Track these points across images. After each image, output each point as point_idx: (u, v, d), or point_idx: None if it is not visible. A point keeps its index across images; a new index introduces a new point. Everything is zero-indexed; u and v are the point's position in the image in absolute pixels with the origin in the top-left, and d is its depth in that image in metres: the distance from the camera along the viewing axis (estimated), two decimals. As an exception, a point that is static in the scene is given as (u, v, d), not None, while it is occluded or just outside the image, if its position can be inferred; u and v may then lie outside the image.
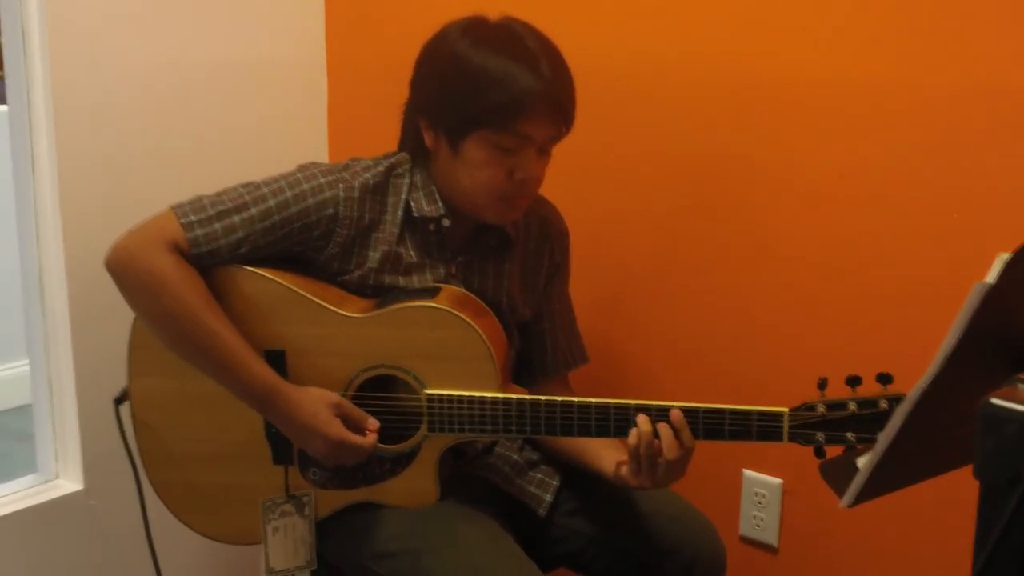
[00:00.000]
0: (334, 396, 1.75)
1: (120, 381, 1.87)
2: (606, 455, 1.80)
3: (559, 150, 1.80)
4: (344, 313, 1.76)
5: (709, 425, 1.66)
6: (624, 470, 1.74)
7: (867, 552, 2.12)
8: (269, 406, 1.75)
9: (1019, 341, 1.08)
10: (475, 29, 1.76)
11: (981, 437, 0.93)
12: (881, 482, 1.17)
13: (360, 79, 2.63)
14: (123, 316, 1.80)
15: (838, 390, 1.60)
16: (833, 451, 1.62)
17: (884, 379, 1.58)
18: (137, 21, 2.27)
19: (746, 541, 2.27)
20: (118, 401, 1.88)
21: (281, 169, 1.82)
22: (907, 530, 2.05)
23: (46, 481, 2.30)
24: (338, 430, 1.73)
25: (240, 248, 1.75)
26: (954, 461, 1.17)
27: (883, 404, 1.59)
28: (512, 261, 1.92)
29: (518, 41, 1.73)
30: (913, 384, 1.06)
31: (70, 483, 2.29)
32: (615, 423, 1.69)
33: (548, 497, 1.92)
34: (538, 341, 1.99)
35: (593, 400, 1.70)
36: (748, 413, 1.64)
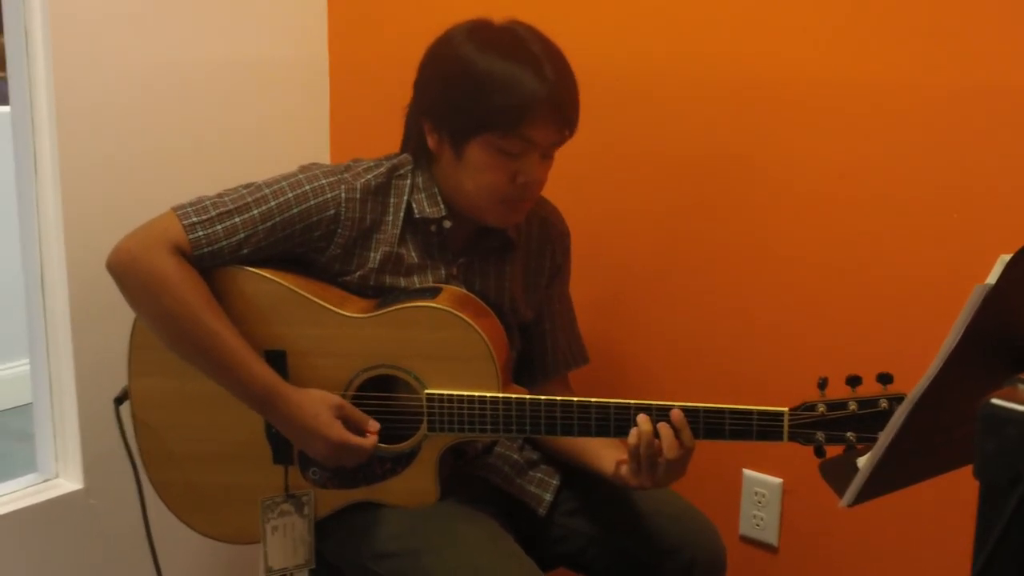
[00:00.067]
0: (335, 398, 1.75)
1: (120, 381, 1.87)
2: (606, 455, 1.80)
3: (559, 150, 1.80)
4: (345, 313, 1.76)
5: (709, 425, 1.66)
6: (624, 470, 1.74)
7: (867, 552, 2.12)
8: (269, 407, 1.75)
9: (1020, 341, 1.08)
10: (480, 32, 1.76)
11: (981, 437, 0.92)
12: (881, 482, 1.17)
13: (362, 79, 2.63)
14: (124, 316, 1.80)
15: (838, 390, 1.60)
16: (833, 451, 1.62)
17: (884, 379, 1.58)
18: (140, 21, 2.27)
19: (746, 541, 2.27)
20: (118, 401, 1.88)
21: (283, 169, 1.82)
22: (907, 530, 2.05)
23: (46, 480, 2.30)
24: (339, 432, 1.73)
25: (242, 249, 1.75)
26: (954, 461, 1.17)
27: (883, 404, 1.59)
28: (513, 262, 1.92)
29: (523, 45, 1.73)
30: (913, 384, 1.06)
31: (70, 482, 2.29)
32: (615, 423, 1.69)
33: (548, 496, 1.92)
34: (538, 341, 1.99)
35: (593, 400, 1.70)
36: (748, 413, 1.65)
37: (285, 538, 1.84)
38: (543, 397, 1.72)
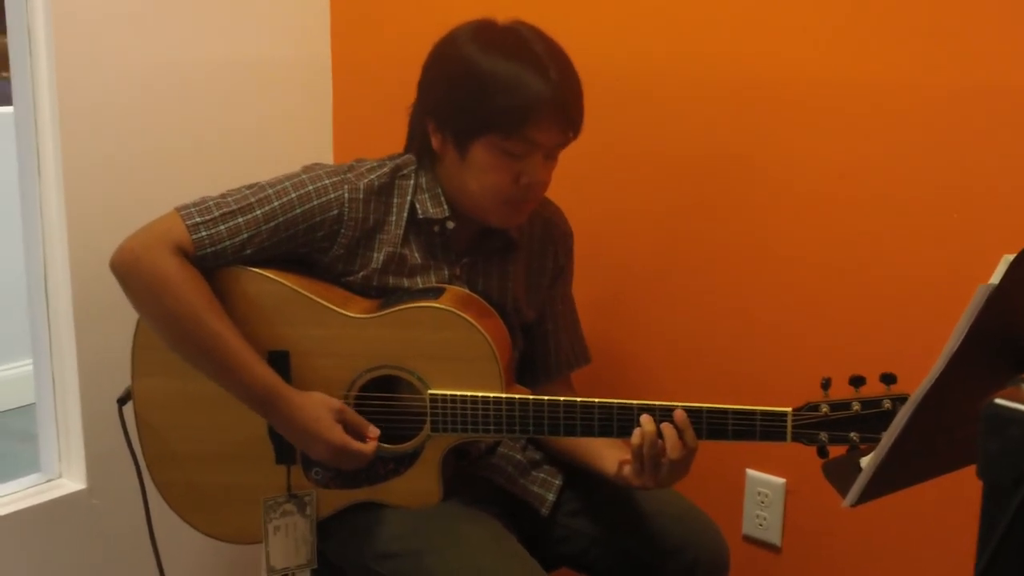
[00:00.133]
0: (336, 402, 1.76)
1: (123, 381, 1.87)
2: (608, 455, 1.81)
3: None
4: (348, 314, 1.77)
5: (713, 425, 1.67)
6: (627, 470, 1.74)
7: (870, 552, 2.12)
8: (271, 409, 1.75)
9: (1023, 342, 1.08)
10: (484, 33, 1.75)
11: (985, 438, 0.93)
12: (884, 482, 1.17)
13: (365, 79, 2.63)
14: (127, 316, 1.80)
15: (841, 390, 1.61)
16: (836, 451, 1.62)
17: (888, 379, 1.59)
18: (143, 21, 2.27)
19: (749, 541, 2.27)
20: (121, 401, 1.88)
21: (286, 169, 1.82)
22: (910, 530, 2.05)
23: (49, 480, 2.30)
24: (339, 435, 1.74)
25: (245, 249, 1.75)
26: (957, 461, 1.17)
27: (887, 404, 1.59)
28: (516, 263, 1.92)
29: (527, 46, 1.73)
30: (916, 384, 1.06)
31: (73, 482, 2.30)
32: (618, 423, 1.70)
33: (551, 496, 1.92)
34: (541, 342, 1.99)
35: (596, 400, 1.70)
36: (752, 413, 1.65)
37: (287, 538, 1.84)
38: (546, 397, 1.72)
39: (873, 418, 1.60)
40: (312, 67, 2.64)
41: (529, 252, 1.94)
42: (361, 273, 1.81)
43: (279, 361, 1.78)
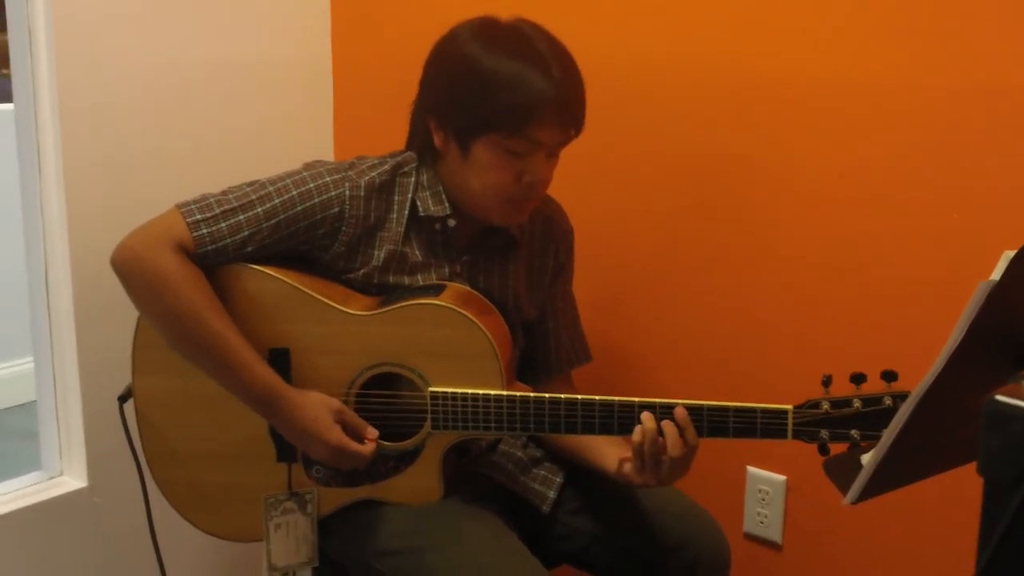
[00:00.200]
0: (335, 402, 1.76)
1: (124, 379, 1.87)
2: (609, 452, 1.81)
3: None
4: (349, 311, 1.77)
5: (713, 423, 1.67)
6: (628, 467, 1.74)
7: (871, 549, 2.12)
8: (270, 408, 1.75)
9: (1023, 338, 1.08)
10: (486, 31, 1.75)
11: (986, 434, 0.93)
12: (885, 479, 1.17)
13: (365, 77, 2.63)
14: (128, 314, 1.80)
15: (842, 388, 1.61)
16: (837, 448, 1.63)
17: (889, 376, 1.59)
18: (143, 20, 2.27)
19: (750, 538, 2.27)
20: (122, 399, 1.88)
21: (287, 168, 1.82)
22: (911, 527, 2.05)
23: (50, 478, 2.30)
24: (338, 436, 1.74)
25: (246, 247, 1.75)
26: (958, 458, 1.17)
27: (888, 401, 1.59)
28: (517, 261, 1.92)
29: (529, 44, 1.72)
30: (917, 382, 1.06)
31: (74, 480, 2.30)
32: (619, 421, 1.70)
33: (552, 494, 1.92)
34: (542, 339, 1.99)
35: (597, 397, 1.70)
36: (752, 411, 1.65)
37: (288, 536, 1.84)
38: (547, 395, 1.72)
39: (874, 415, 1.60)
40: (313, 66, 2.64)
41: (530, 250, 1.94)
42: (362, 271, 1.81)
43: (280, 358, 1.78)
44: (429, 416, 1.76)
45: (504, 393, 1.73)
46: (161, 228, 1.74)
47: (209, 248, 1.74)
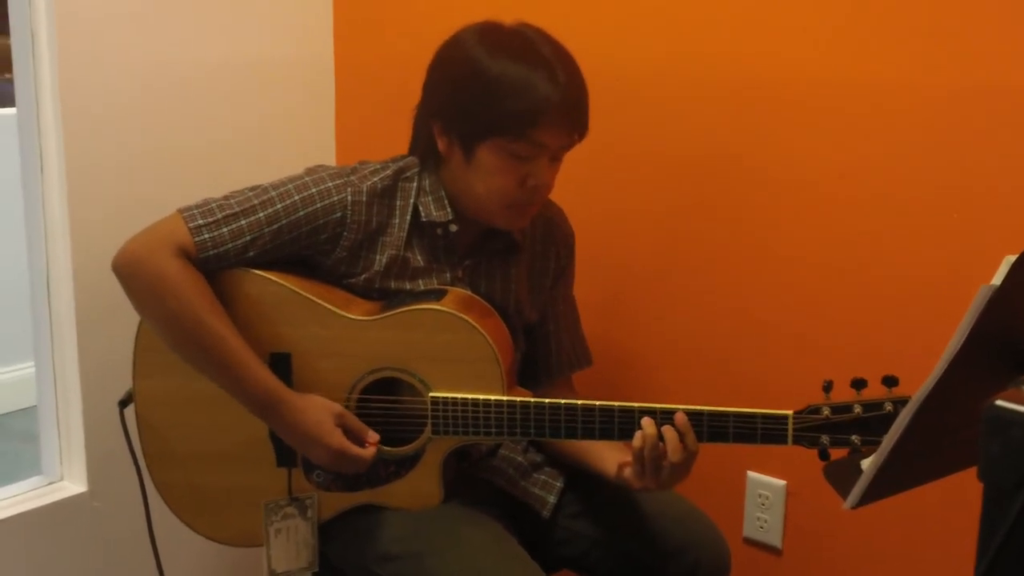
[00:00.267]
0: (336, 406, 1.76)
1: (125, 383, 1.87)
2: (609, 457, 1.80)
3: (562, 151, 1.80)
4: (350, 316, 1.77)
5: (713, 428, 1.67)
6: (628, 472, 1.74)
7: (871, 554, 2.12)
8: (271, 412, 1.75)
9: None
10: (490, 35, 1.75)
11: (986, 440, 0.93)
12: (885, 484, 1.17)
13: (368, 80, 2.63)
14: (129, 318, 1.80)
15: (843, 393, 1.60)
16: (837, 453, 1.62)
17: (889, 382, 1.58)
18: (145, 22, 2.27)
19: (750, 543, 2.27)
20: (123, 404, 1.88)
21: (289, 171, 1.82)
22: (911, 532, 2.05)
23: (51, 483, 2.30)
24: (339, 440, 1.74)
25: (248, 252, 1.75)
26: (959, 463, 1.17)
27: (888, 407, 1.59)
28: (519, 264, 1.92)
29: (533, 48, 1.72)
30: (918, 386, 1.06)
31: (74, 485, 2.30)
32: (619, 426, 1.69)
33: (552, 498, 1.92)
34: (543, 343, 1.99)
35: (597, 403, 1.70)
36: (753, 416, 1.65)
37: (288, 541, 1.84)
38: (547, 400, 1.72)
39: (874, 421, 1.60)
40: (315, 68, 2.64)
41: (532, 253, 1.94)
42: (363, 275, 1.81)
43: (281, 363, 1.78)
44: (429, 421, 1.76)
45: (504, 398, 1.73)
46: (163, 232, 1.74)
47: (211, 253, 1.74)
